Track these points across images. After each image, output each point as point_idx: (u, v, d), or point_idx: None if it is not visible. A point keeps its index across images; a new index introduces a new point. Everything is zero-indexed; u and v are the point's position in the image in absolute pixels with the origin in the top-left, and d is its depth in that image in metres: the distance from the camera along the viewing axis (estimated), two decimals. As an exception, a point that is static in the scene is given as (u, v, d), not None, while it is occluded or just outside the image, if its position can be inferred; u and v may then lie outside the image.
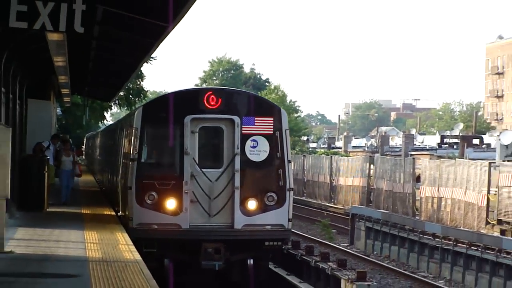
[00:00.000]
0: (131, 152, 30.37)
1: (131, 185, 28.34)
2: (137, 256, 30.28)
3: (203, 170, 28.37)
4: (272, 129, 28.48)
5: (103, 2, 26.82)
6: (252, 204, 28.76)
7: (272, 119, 28.87)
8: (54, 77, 52.55)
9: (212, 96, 28.83)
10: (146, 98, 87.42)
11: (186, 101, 30.34)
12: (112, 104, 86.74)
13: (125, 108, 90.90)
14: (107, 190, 58.00)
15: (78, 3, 22.16)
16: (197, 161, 28.62)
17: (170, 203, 28.05)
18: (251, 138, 28.91)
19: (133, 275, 25.36)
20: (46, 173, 46.25)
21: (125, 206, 31.63)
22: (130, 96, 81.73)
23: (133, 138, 30.45)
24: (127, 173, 31.16)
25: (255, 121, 29.02)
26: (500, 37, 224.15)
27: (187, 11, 26.65)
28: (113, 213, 47.79)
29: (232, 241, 28.53)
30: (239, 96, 31.95)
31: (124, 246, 32.47)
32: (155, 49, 39.20)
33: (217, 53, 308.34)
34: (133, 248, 33.09)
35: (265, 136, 29.00)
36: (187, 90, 34.43)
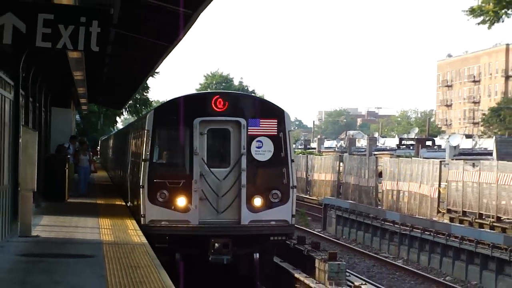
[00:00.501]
0: (143, 153, 28.78)
1: (144, 184, 27.07)
2: (144, 240, 29.96)
3: (211, 169, 27.09)
4: (276, 130, 27.15)
5: (115, 25, 27.34)
6: (257, 201, 27.26)
7: (276, 120, 27.47)
8: (74, 89, 51.51)
9: (220, 99, 27.38)
10: (150, 107, 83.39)
11: (195, 104, 28.94)
12: (123, 111, 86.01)
13: (134, 115, 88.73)
14: (119, 185, 54.65)
15: (94, 26, 21.66)
16: (205, 161, 27.27)
17: (181, 201, 26.61)
18: (256, 139, 27.61)
19: (140, 255, 25.46)
20: (66, 170, 45.84)
21: (137, 203, 30.01)
22: (137, 105, 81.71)
23: (145, 139, 28.83)
24: (139, 173, 29.45)
25: (260, 123, 27.56)
26: (449, 55, 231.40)
27: (186, 32, 27.01)
28: (123, 203, 46.79)
29: (239, 236, 27.07)
30: (245, 99, 30.28)
31: (133, 231, 32.21)
32: (159, 65, 40.13)
33: (211, 68, 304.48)
34: (140, 233, 32.58)
35: (270, 137, 27.65)
36: (196, 94, 33.23)
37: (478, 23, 52.91)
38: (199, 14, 23.63)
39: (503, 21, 53.63)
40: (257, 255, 25.88)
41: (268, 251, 26.88)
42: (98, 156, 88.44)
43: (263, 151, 26.46)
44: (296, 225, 35.84)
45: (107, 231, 32.14)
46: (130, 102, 77.72)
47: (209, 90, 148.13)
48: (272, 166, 26.54)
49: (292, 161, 26.36)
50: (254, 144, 26.33)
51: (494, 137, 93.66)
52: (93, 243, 28.27)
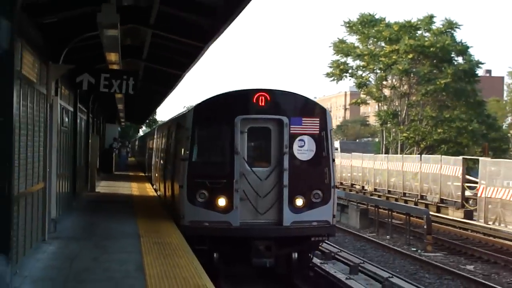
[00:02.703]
0: (183, 152, 20.16)
1: (183, 184, 19.06)
2: (155, 193, 30.08)
3: (253, 169, 19.23)
4: (318, 129, 19.76)
5: (142, 79, 25.99)
6: (299, 202, 19.46)
7: (318, 119, 19.95)
8: (117, 113, 49.11)
9: (261, 97, 19.60)
10: (157, 123, 72.31)
11: (236, 102, 20.30)
12: (143, 125, 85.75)
13: (148, 127, 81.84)
14: (148, 171, 41.76)
15: (130, 80, 20.93)
16: (246, 160, 19.21)
17: (221, 201, 18.98)
18: (298, 138, 19.86)
19: (157, 208, 24.91)
20: (113, 157, 49.21)
21: (176, 203, 20.75)
22: (149, 121, 79.72)
23: (184, 138, 20.12)
24: (178, 172, 20.55)
25: (302, 121, 19.86)
26: (315, 97, 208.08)
27: (196, 63, 22.48)
28: (143, 174, 47.10)
29: (281, 238, 19.51)
30: (287, 97, 21.05)
31: (150, 190, 32.85)
32: (169, 93, 35.17)
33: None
34: (152, 189, 32.72)
35: (312, 135, 19.83)
36: (237, 91, 22.18)
37: (331, 80, 71.21)
38: (208, 48, 19.73)
39: (343, 80, 71.24)
40: (295, 255, 19.48)
41: (307, 250, 20.16)
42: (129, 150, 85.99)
43: (305, 150, 19.34)
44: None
45: (135, 189, 33.01)
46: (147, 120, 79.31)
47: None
48: (314, 165, 19.50)
49: (333, 160, 19.64)
50: (296, 143, 19.33)
51: (339, 141, 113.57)
52: (129, 195, 29.43)
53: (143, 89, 27.51)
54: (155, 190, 31.88)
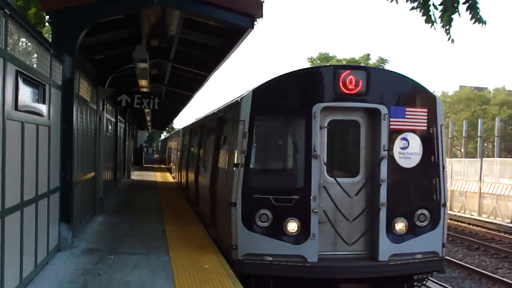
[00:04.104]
0: (235, 154, 9.66)
1: (236, 200, 9.24)
2: (172, 180, 29.40)
3: (338, 180, 9.60)
4: (426, 124, 9.71)
5: (164, 98, 24.99)
6: (400, 226, 9.76)
7: (426, 110, 9.75)
8: (145, 122, 46.00)
9: (351, 76, 9.47)
10: (173, 129, 58.80)
11: (313, 83, 9.75)
12: (164, 131, 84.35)
13: (168, 133, 67.84)
14: (181, 182, 23.70)
15: (156, 100, 21.00)
16: (327, 168, 9.56)
17: (292, 226, 9.31)
18: (400, 136, 9.77)
19: (174, 190, 24.16)
20: (143, 154, 48.92)
21: (225, 227, 10.15)
22: (168, 128, 77.09)
23: (238, 135, 9.61)
24: (226, 183, 10.28)
25: (406, 113, 9.70)
26: None
27: (203, 85, 20.62)
28: (164, 166, 44.79)
29: (377, 279, 9.76)
30: (386, 77, 10.02)
31: (169, 177, 32.25)
32: (182, 109, 33.95)
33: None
34: (171, 176, 31.60)
35: (418, 133, 9.76)
36: (316, 68, 13.08)
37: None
38: (211, 76, 17.64)
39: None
40: None
41: None
42: (154, 149, 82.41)
43: (410, 154, 9.88)
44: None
45: (159, 177, 32.31)
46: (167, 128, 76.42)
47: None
48: (420, 175, 10.02)
49: (444, 168, 10.10)
50: (397, 143, 9.95)
51: None
52: (154, 181, 28.90)
53: (164, 106, 26.40)
54: (173, 178, 30.79)
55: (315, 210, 9.50)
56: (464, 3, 7.82)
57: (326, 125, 9.85)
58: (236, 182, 9.59)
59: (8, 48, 6.86)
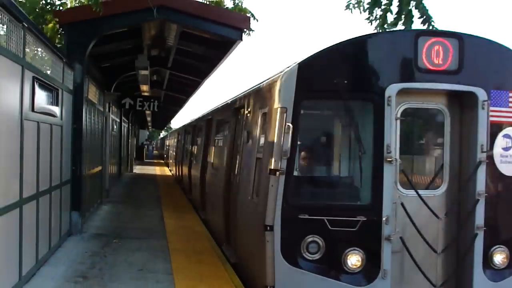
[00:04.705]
0: (272, 155, 4.89)
1: (273, 223, 4.71)
2: (169, 173, 29.03)
3: (419, 192, 5.00)
4: None
5: (163, 101, 23.39)
6: (501, 257, 5.08)
7: None
8: (146, 122, 44.66)
9: (438, 46, 4.67)
10: (171, 129, 54.61)
11: (386, 55, 4.87)
12: (163, 130, 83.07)
13: (166, 131, 62.17)
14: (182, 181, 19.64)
15: (155, 103, 20.79)
16: (403, 176, 4.94)
17: (354, 260, 4.95)
18: (503, 132, 5.05)
19: (171, 182, 23.71)
20: (144, 150, 47.87)
21: (256, 259, 5.40)
22: (166, 128, 75.69)
23: (274, 129, 4.95)
24: (260, 198, 5.31)
25: (510, 99, 4.66)
26: None
27: (197, 91, 20.08)
28: (162, 161, 44.44)
29: None
30: (485, 48, 4.89)
31: (166, 170, 31.71)
32: (179, 111, 32.52)
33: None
34: (167, 170, 31.31)
35: None
36: (387, 33, 5.62)
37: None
38: (204, 81, 17.14)
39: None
40: None
41: None
42: (153, 146, 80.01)
43: None
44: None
45: (158, 170, 31.80)
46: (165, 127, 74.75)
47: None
48: None
49: None
50: (499, 141, 5.10)
51: None
52: (154, 175, 28.59)
53: (163, 108, 25.25)
54: (170, 171, 30.58)
55: (388, 238, 5.60)
56: (419, 18, 7.72)
57: (399, 115, 5.82)
58: (274, 196, 5.52)
59: (26, 57, 6.85)
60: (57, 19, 10.83)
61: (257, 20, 12.01)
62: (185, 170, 17.68)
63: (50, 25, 11.06)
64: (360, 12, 7.74)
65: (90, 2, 8.31)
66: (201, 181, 12.32)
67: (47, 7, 10.69)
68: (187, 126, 19.89)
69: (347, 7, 7.78)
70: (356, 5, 7.64)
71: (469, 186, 5.82)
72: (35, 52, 7.60)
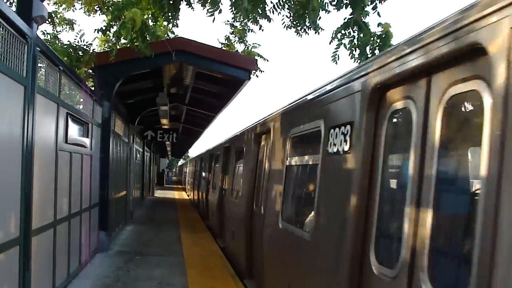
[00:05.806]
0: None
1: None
2: (187, 197, 29.40)
3: None
4: None
5: (181, 133, 24.06)
6: None
7: None
8: (166, 152, 44.32)
9: None
10: (188, 158, 52.22)
11: None
12: (181, 159, 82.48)
13: (183, 160, 60.87)
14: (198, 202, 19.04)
15: (174, 135, 20.83)
16: None
17: None
18: None
19: (188, 205, 23.94)
20: (164, 176, 47.65)
21: None
22: (183, 156, 74.62)
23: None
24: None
25: None
26: None
27: (210, 125, 20.22)
28: (180, 186, 44.57)
29: None
30: None
31: (184, 195, 31.42)
32: (195, 142, 32.09)
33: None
34: (185, 194, 31.50)
35: None
36: None
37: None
38: (218, 116, 17.12)
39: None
40: None
41: None
42: (173, 173, 78.56)
43: None
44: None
45: (177, 194, 32.13)
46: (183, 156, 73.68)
47: None
48: None
49: None
50: None
51: None
52: (172, 198, 28.64)
53: (181, 139, 25.21)
54: (187, 195, 30.42)
55: None
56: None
57: None
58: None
59: (60, 95, 7.02)
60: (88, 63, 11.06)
61: (267, 61, 12.27)
62: (202, 195, 17.21)
63: (83, 69, 11.31)
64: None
65: (139, 47, 8.46)
66: (219, 208, 11.73)
67: (74, 53, 10.85)
68: (204, 155, 19.51)
69: (333, 59, 7.25)
70: (337, 58, 7.12)
71: None
72: (69, 91, 7.76)
